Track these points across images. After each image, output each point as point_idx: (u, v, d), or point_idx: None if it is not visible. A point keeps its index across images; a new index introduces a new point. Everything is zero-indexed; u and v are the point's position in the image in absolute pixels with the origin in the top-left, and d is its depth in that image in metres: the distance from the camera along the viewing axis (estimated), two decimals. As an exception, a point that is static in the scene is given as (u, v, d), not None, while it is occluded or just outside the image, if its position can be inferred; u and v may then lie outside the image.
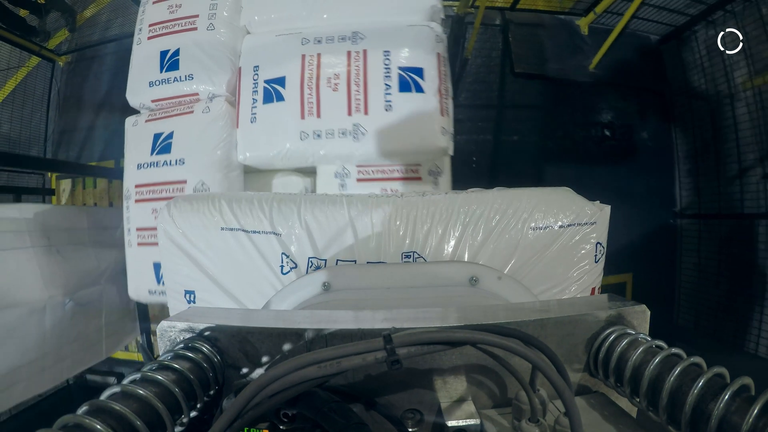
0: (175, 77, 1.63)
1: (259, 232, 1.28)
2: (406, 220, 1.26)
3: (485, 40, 3.51)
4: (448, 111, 1.52)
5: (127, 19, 3.78)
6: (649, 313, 0.67)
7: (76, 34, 3.93)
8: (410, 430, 0.63)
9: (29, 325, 1.98)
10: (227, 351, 0.65)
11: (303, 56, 1.50)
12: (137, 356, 3.41)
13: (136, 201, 1.62)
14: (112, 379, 3.34)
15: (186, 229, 1.29)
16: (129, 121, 1.77)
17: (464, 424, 0.62)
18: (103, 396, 0.51)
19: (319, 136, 1.48)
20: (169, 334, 0.65)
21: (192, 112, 1.59)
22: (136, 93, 1.74)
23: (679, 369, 0.54)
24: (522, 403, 0.59)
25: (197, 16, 1.67)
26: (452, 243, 1.26)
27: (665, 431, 0.55)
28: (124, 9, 3.84)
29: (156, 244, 1.49)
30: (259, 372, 0.66)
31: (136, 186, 1.62)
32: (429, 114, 1.45)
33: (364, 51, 1.49)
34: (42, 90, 3.72)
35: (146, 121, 1.67)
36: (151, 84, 1.69)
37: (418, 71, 1.47)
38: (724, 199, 3.36)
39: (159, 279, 1.55)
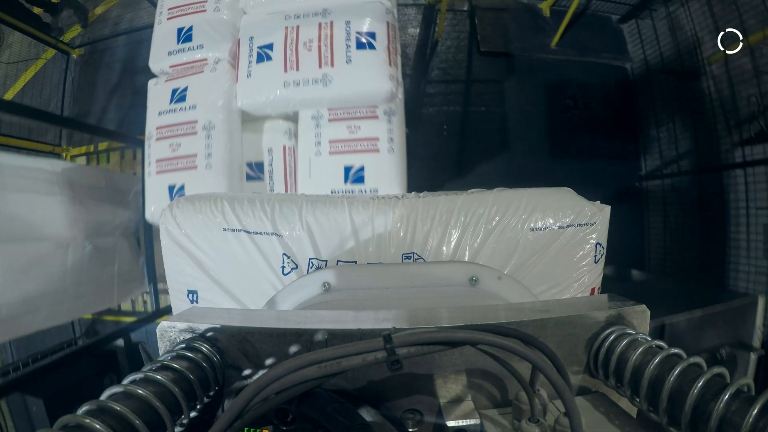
0: (189, 47, 2.05)
1: (260, 233, 1.27)
2: (407, 221, 1.25)
3: (454, 24, 3.77)
4: (397, 64, 1.92)
5: (136, 14, 4.04)
6: (649, 313, 0.67)
7: (88, 29, 4.16)
8: (410, 430, 0.63)
9: (54, 258, 2.33)
10: (227, 351, 0.64)
11: (286, 28, 1.94)
12: (146, 308, 3.55)
13: (157, 139, 1.97)
14: (119, 341, 3.47)
15: (188, 230, 1.29)
16: (151, 82, 2.13)
17: (464, 424, 0.61)
18: (104, 396, 0.51)
19: (298, 84, 1.87)
20: (169, 334, 0.65)
21: (202, 72, 2.01)
22: (157, 61, 2.11)
23: (679, 369, 0.53)
24: (522, 403, 0.59)
25: (206, 1, 2.11)
26: (452, 244, 1.25)
27: (665, 431, 0.55)
28: (133, 5, 4.10)
29: (172, 170, 1.91)
30: (259, 372, 0.65)
31: (157, 128, 1.98)
32: (379, 64, 1.84)
33: (331, 22, 1.92)
34: (57, 80, 4.00)
35: (165, 81, 2.06)
36: (169, 53, 2.08)
37: (372, 34, 1.87)
38: (686, 160, 3.49)
39: (172, 199, 1.87)
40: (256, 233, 1.27)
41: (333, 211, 1.26)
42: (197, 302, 1.32)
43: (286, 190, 1.97)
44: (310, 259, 1.26)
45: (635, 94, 3.82)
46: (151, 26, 2.21)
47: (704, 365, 0.54)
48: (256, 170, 2.00)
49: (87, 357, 3.23)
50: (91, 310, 2.83)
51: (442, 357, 0.64)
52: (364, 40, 1.85)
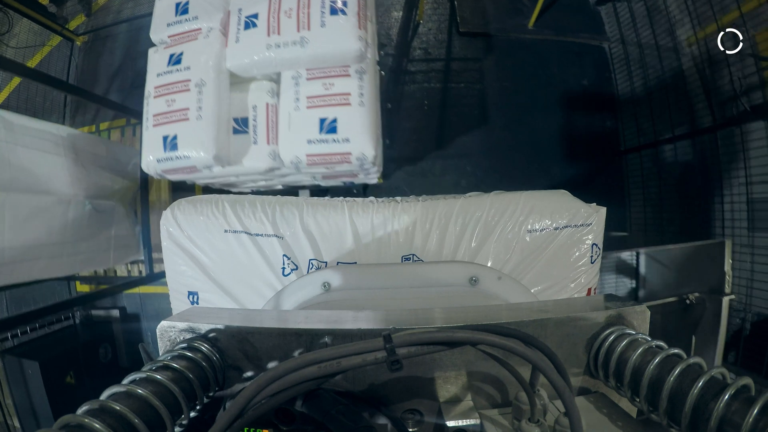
0: (185, 19, 2.23)
1: (261, 235, 1.27)
2: (406, 224, 1.25)
3: (435, 7, 3.93)
4: (367, 28, 2.09)
5: (138, 2, 4.20)
6: (649, 313, 0.66)
7: (92, 18, 4.30)
8: (411, 430, 0.63)
9: (56, 211, 2.51)
10: (227, 351, 0.63)
11: (270, 0, 2.15)
12: (137, 272, 3.66)
13: (154, 97, 2.16)
14: (114, 312, 3.64)
15: (189, 231, 1.28)
16: (151, 50, 2.32)
17: (464, 424, 0.61)
18: (104, 396, 0.50)
19: (278, 46, 2.06)
20: (169, 334, 0.64)
21: (196, 39, 2.19)
22: (157, 32, 2.29)
23: (678, 369, 0.53)
24: (522, 403, 0.58)
25: (201, -23, 2.36)
26: (451, 246, 1.25)
27: (666, 431, 0.54)
28: (135, -5, 4.25)
29: (166, 123, 2.09)
30: (259, 372, 0.65)
31: (155, 87, 2.18)
32: (350, 28, 2.01)
33: (309, -7, 2.16)
34: (62, 65, 4.16)
35: (164, 48, 2.26)
36: (168, 25, 2.25)
37: (344, 2, 2.04)
38: (665, 136, 3.49)
39: (165, 148, 2.08)
40: (257, 235, 1.27)
41: (333, 213, 1.26)
42: (198, 303, 1.31)
43: (268, 143, 2.14)
44: (310, 260, 1.26)
45: (613, 72, 3.88)
46: (150, 14, 2.37)
47: (704, 365, 0.54)
48: (241, 125, 2.18)
49: (83, 326, 3.45)
50: (88, 267, 3.00)
51: (442, 357, 0.64)
52: (337, 7, 2.04)
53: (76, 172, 2.62)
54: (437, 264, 1.09)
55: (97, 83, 4.07)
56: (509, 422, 0.60)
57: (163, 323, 0.64)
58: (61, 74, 4.07)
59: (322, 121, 2.01)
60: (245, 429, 0.53)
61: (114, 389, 0.51)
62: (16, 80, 4.06)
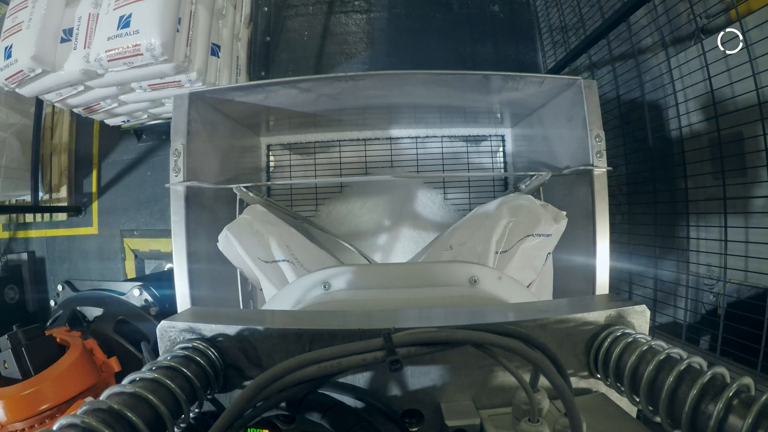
0: None
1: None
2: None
3: None
4: None
5: None
6: (648, 313, 0.66)
7: None
8: (410, 430, 0.63)
9: None
10: (227, 351, 0.64)
11: None
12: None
13: (7, 17, 2.40)
14: (24, 256, 3.69)
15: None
16: None
17: (464, 423, 0.61)
18: (103, 396, 0.50)
19: None
20: (169, 334, 0.64)
21: None
22: None
23: (678, 369, 0.53)
24: (522, 403, 0.58)
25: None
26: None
27: (665, 431, 0.54)
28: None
29: (8, 36, 2.34)
30: (259, 372, 0.65)
31: (10, 9, 2.41)
32: None
33: None
34: None
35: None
36: None
37: None
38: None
39: (5, 56, 2.32)
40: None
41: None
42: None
43: (85, 47, 2.30)
44: None
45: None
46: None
47: (704, 365, 0.54)
48: (68, 35, 2.38)
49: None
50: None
51: (442, 356, 0.64)
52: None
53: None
54: (437, 264, 1.10)
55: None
56: (509, 422, 0.60)
57: (164, 323, 0.64)
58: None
59: (121, 18, 2.16)
60: (245, 429, 0.54)
61: (114, 389, 0.51)
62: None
